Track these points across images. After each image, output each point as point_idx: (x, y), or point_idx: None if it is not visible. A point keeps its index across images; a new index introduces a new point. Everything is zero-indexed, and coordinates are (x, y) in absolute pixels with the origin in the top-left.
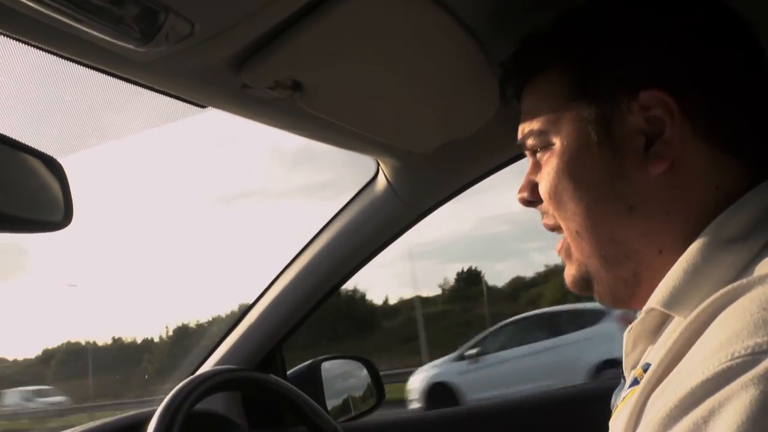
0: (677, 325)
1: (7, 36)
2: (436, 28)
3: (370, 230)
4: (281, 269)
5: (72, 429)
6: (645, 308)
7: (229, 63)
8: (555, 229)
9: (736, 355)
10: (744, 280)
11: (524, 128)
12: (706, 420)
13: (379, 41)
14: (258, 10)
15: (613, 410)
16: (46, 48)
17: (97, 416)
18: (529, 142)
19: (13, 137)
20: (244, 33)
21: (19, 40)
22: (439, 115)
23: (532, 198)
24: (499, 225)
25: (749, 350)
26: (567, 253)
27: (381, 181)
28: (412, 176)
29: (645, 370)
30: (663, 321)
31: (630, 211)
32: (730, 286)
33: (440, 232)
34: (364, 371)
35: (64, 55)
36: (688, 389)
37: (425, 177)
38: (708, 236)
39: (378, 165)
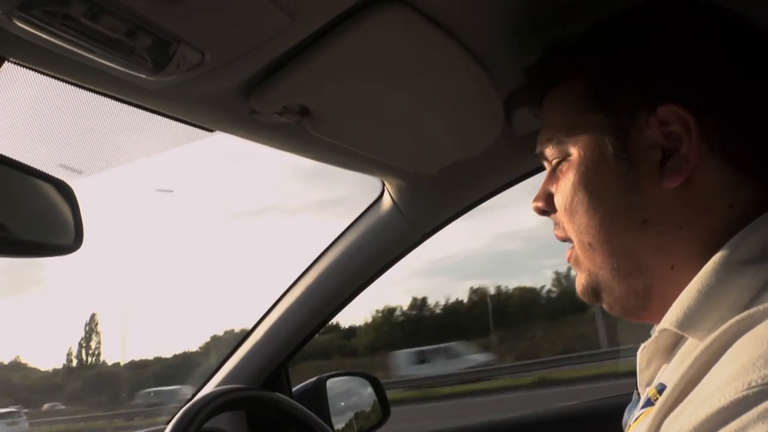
0: (692, 346)
1: (22, 66)
2: (440, 52)
3: (375, 249)
4: (287, 288)
5: None
6: (658, 328)
7: (237, 90)
8: (566, 240)
9: (753, 384)
10: (761, 307)
11: (543, 138)
12: None
13: (385, 67)
14: (267, 40)
15: (625, 428)
16: (60, 77)
17: None
18: (548, 151)
19: (24, 162)
20: (252, 61)
21: (34, 70)
22: (444, 137)
23: (546, 208)
24: (512, 242)
25: (766, 380)
26: (577, 261)
27: (386, 201)
28: (418, 196)
29: (659, 391)
30: (677, 340)
31: (643, 225)
32: (746, 313)
33: (454, 249)
34: (369, 388)
35: (75, 83)
36: (704, 417)
37: (430, 197)
38: (722, 257)
39: (384, 185)
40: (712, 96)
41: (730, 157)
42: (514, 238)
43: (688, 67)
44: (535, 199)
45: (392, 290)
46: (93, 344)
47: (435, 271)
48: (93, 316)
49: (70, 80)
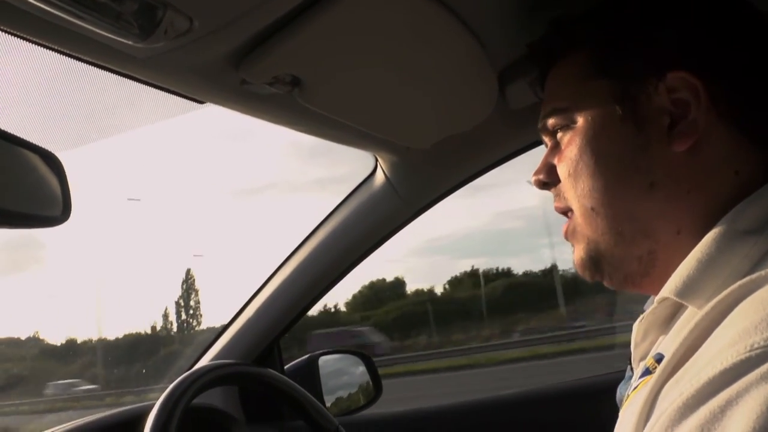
0: (691, 315)
1: (7, 32)
2: (434, 24)
3: (368, 226)
4: (279, 264)
5: (72, 422)
6: (658, 298)
7: (227, 59)
8: (566, 211)
9: (756, 346)
10: (762, 272)
11: (546, 109)
12: (723, 410)
13: (378, 38)
14: (257, 6)
15: (619, 403)
16: (44, 44)
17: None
18: (551, 121)
19: (12, 132)
20: (242, 29)
21: (19, 36)
22: (438, 111)
23: (547, 179)
24: (512, 221)
25: None
26: (574, 234)
27: (379, 177)
28: (410, 172)
29: (657, 360)
30: (675, 311)
31: (651, 188)
32: (748, 278)
33: (453, 227)
34: (362, 366)
35: (63, 51)
36: (705, 380)
37: (423, 173)
38: (723, 227)
39: (376, 160)
40: (719, 62)
41: (737, 123)
42: (513, 217)
43: (695, 35)
44: (536, 172)
45: (389, 268)
46: (192, 303)
47: (433, 250)
48: (188, 272)
49: (57, 48)
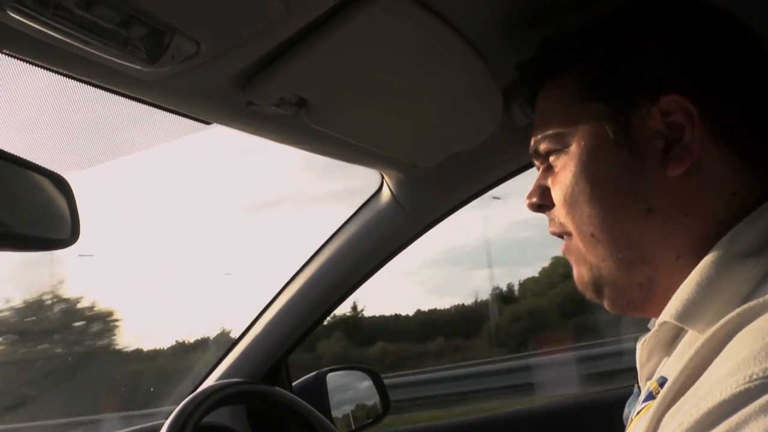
0: (692, 339)
1: (16, 57)
2: (439, 43)
3: (374, 243)
4: (286, 282)
5: None
6: (658, 321)
7: (234, 81)
8: (562, 235)
9: (755, 377)
10: (761, 300)
11: (538, 132)
12: None
13: (383, 57)
14: (262, 30)
15: (626, 421)
16: (53, 69)
17: None
18: (543, 146)
19: (21, 156)
20: (248, 52)
21: (27, 61)
22: (443, 128)
23: (542, 202)
24: (525, 230)
25: (767, 372)
26: (575, 256)
27: (385, 194)
28: (416, 189)
29: (660, 384)
30: (677, 334)
31: (648, 213)
32: (746, 306)
33: (468, 237)
34: (369, 382)
35: (71, 75)
36: (705, 410)
37: (429, 190)
38: (721, 249)
39: (382, 177)
40: (714, 85)
41: (732, 144)
42: (527, 227)
43: (689, 56)
44: (529, 195)
45: (404, 281)
46: None
47: (448, 261)
48: None
49: (64, 72)
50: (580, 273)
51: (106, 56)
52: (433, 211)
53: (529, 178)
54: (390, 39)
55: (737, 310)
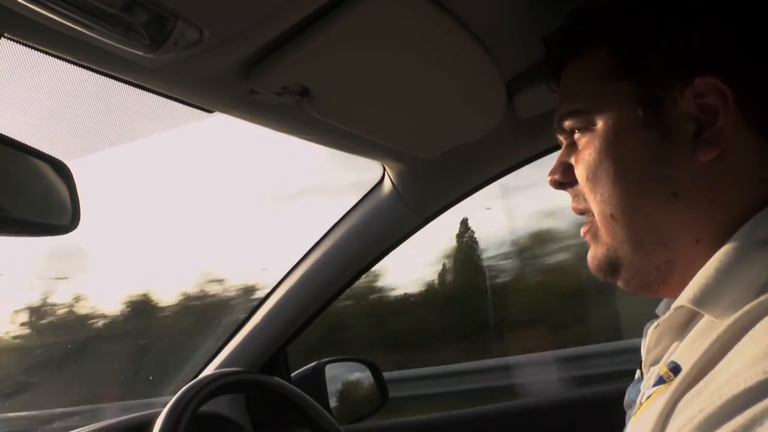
0: (708, 324)
1: (18, 42)
2: (443, 34)
3: (375, 234)
4: (286, 272)
5: (78, 430)
6: (674, 305)
7: (237, 69)
8: (584, 213)
9: None
10: None
11: (562, 109)
12: (747, 429)
13: (387, 48)
14: (266, 17)
15: (627, 407)
16: (55, 53)
17: None
18: (567, 122)
19: (22, 141)
20: (252, 40)
21: (29, 46)
22: (446, 120)
23: (564, 180)
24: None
25: None
26: (594, 236)
27: (387, 186)
28: (418, 181)
29: (672, 370)
30: (690, 318)
31: (673, 197)
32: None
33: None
34: (368, 373)
35: (73, 60)
36: (729, 397)
37: (431, 182)
38: (743, 236)
39: (384, 169)
40: (748, 66)
41: (764, 129)
42: (546, 216)
43: (725, 36)
44: (552, 172)
45: (423, 273)
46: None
47: None
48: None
49: (67, 57)
50: (595, 254)
51: (108, 41)
52: (434, 203)
53: (546, 167)
54: (394, 30)
55: (759, 299)
